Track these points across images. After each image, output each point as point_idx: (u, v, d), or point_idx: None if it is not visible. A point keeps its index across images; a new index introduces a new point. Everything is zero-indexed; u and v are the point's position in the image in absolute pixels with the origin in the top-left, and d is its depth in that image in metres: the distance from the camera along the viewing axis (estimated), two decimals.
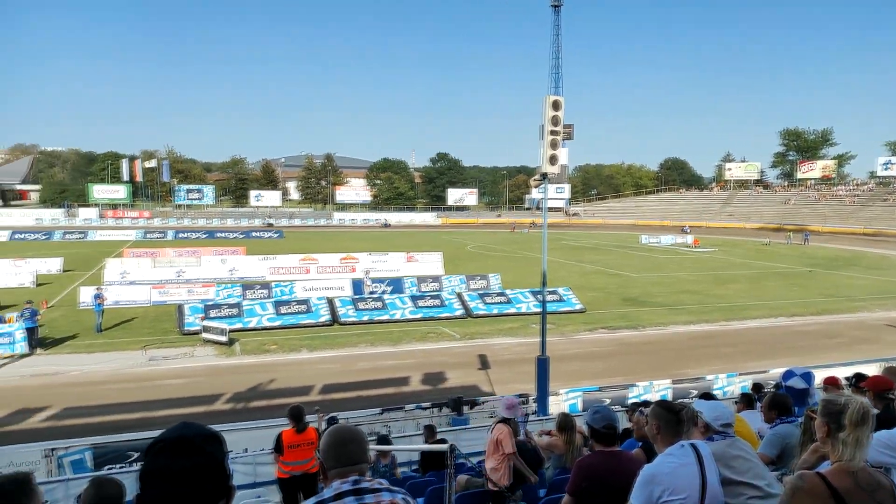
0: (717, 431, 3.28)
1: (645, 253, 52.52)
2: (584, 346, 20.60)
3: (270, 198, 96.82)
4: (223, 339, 19.53)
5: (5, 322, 18.98)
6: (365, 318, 23.25)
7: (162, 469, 1.30)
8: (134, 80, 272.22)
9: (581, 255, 49.04)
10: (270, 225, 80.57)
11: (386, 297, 25.44)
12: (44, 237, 60.65)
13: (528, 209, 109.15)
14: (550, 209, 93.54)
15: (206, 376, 16.66)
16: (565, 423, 6.44)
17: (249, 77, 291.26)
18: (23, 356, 18.10)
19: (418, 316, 23.85)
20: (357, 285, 28.64)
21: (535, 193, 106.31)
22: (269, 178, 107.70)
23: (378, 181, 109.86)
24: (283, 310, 22.96)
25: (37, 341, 18.79)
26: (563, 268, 39.12)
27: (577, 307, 25.75)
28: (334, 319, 23.03)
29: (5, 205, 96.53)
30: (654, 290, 31.76)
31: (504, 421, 6.07)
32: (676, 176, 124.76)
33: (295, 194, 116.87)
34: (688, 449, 2.86)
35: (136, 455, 9.88)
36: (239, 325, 21.43)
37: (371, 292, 27.33)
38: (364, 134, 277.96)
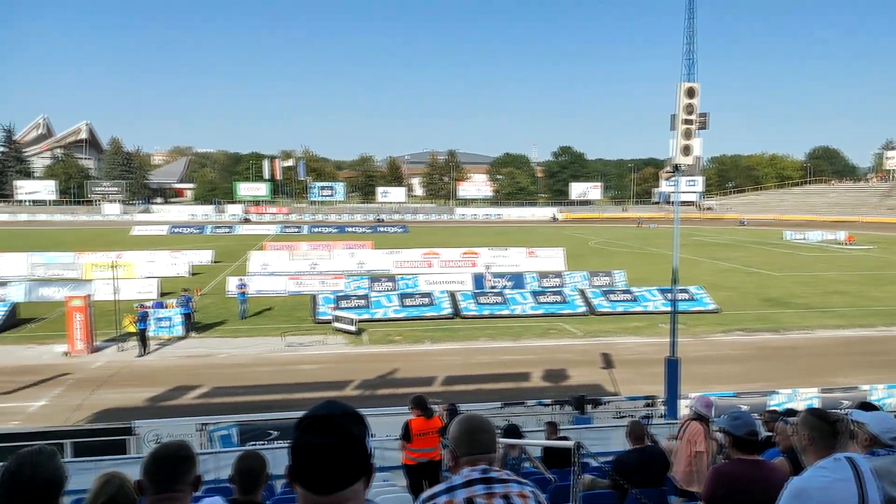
0: (885, 445, 2.93)
1: (788, 250, 48.37)
2: (717, 348, 19.37)
3: (396, 194, 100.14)
4: (352, 328, 20.51)
5: (165, 308, 21.18)
6: (486, 313, 23.41)
7: (309, 444, 1.37)
8: (274, 85, 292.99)
9: (715, 251, 46.12)
10: (381, 220, 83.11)
11: (507, 291, 25.44)
12: (197, 231, 66.83)
13: (655, 203, 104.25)
14: (682, 203, 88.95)
15: (336, 363, 17.59)
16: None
17: (378, 79, 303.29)
18: (179, 338, 20.11)
19: (539, 312, 23.62)
20: (478, 279, 28.89)
21: (665, 187, 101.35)
22: (394, 175, 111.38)
23: (499, 176, 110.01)
24: (408, 302, 23.68)
25: (191, 325, 20.79)
26: (695, 265, 37.01)
27: (711, 307, 24.26)
28: (456, 313, 23.39)
29: (165, 202, 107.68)
30: (798, 290, 29.18)
31: (699, 419, 5.83)
32: (827, 166, 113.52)
33: (419, 190, 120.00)
34: (844, 463, 2.58)
35: (275, 434, 10.65)
36: (366, 316, 22.39)
37: (492, 287, 27.46)
38: (486, 130, 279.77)
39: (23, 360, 17.73)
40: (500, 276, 29.43)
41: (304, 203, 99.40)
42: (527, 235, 59.24)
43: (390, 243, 46.89)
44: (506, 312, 23.56)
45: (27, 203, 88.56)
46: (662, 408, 12.61)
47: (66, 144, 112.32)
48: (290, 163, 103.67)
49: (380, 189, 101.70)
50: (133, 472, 2.34)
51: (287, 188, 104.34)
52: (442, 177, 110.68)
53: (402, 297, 24.16)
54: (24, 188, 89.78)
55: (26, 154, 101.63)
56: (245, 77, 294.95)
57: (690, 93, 11.55)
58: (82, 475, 4.68)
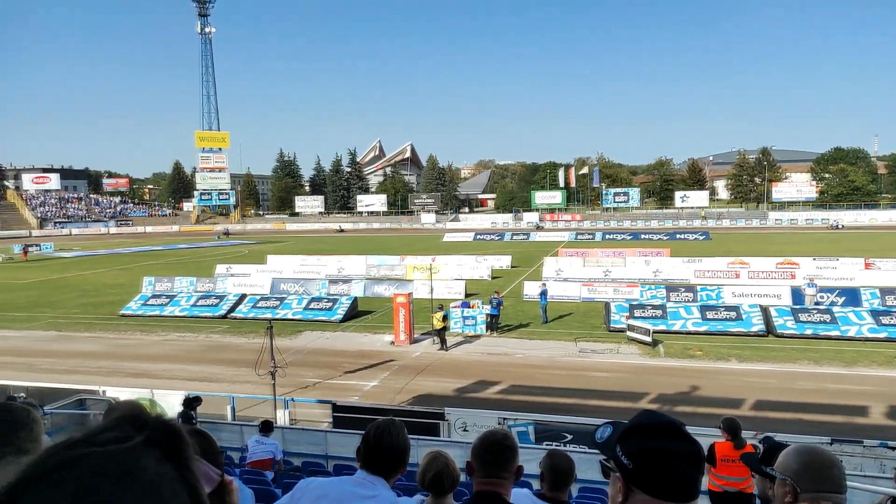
0: None
1: None
2: None
3: (696, 198, 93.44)
4: (647, 339, 19.71)
5: (471, 307, 23.13)
6: (807, 332, 20.30)
7: (671, 451, 1.36)
8: (567, 93, 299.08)
9: None
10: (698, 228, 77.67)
11: (836, 309, 21.69)
12: (497, 238, 71.76)
13: None
14: None
15: (630, 373, 17.08)
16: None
17: (675, 80, 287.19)
18: (481, 336, 21.76)
19: (881, 335, 19.60)
20: (797, 294, 25.22)
21: None
22: (695, 178, 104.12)
23: (826, 174, 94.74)
24: (710, 315, 21.83)
25: (494, 325, 22.31)
26: None
27: None
28: (768, 330, 20.78)
29: (470, 211, 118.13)
30: None
31: None
32: None
33: (723, 193, 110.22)
34: None
35: (570, 437, 10.79)
36: (662, 327, 21.29)
37: (816, 303, 23.70)
38: (808, 123, 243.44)
39: (360, 345, 21.14)
40: (828, 290, 25.23)
41: (598, 210, 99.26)
42: (863, 244, 49.81)
43: (689, 251, 43.91)
44: (834, 333, 20.10)
45: (364, 214, 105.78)
46: None
47: (394, 163, 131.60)
48: (584, 170, 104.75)
49: (678, 193, 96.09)
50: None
51: (581, 195, 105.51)
52: (752, 177, 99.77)
53: (704, 309, 22.35)
54: (363, 201, 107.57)
55: (365, 172, 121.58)
56: (541, 88, 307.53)
57: None
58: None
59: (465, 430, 11.39)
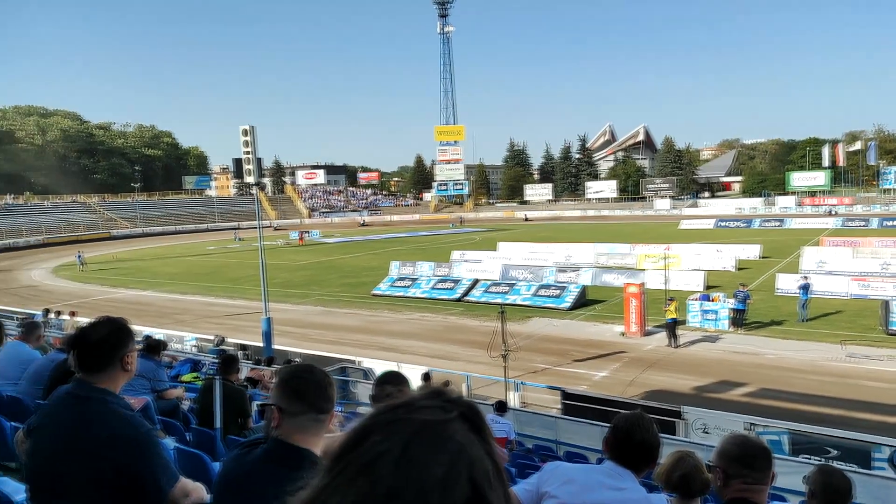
0: None
1: None
2: None
3: None
4: None
5: (711, 301, 21.35)
6: None
7: None
8: (836, 56, 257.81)
9: None
10: None
11: None
12: (744, 225, 65.02)
13: None
14: None
15: None
16: None
17: None
18: (723, 333, 19.97)
19: None
20: None
21: None
22: None
23: None
24: None
25: (739, 321, 20.31)
26: None
27: None
28: None
29: (711, 196, 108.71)
30: None
31: None
32: None
33: None
34: None
35: (835, 452, 9.39)
36: None
37: None
38: None
39: (589, 335, 20.85)
40: None
41: (874, 192, 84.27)
42: None
43: None
44: None
45: (593, 201, 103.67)
46: None
47: (626, 147, 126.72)
48: (856, 146, 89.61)
49: None
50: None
51: (851, 176, 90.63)
52: None
53: None
54: (592, 188, 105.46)
55: (595, 158, 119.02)
56: (799, 51, 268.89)
57: None
58: None
59: (704, 432, 10.58)
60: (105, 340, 2.34)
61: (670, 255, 28.91)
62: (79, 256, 45.55)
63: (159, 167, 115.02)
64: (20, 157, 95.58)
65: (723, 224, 65.24)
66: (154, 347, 7.64)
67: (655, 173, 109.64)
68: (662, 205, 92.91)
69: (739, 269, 32.32)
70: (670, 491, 2.42)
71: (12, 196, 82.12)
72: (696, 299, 21.54)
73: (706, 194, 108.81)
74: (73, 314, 20.80)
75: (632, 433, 2.27)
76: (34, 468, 2.32)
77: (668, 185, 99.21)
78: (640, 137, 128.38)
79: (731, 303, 20.39)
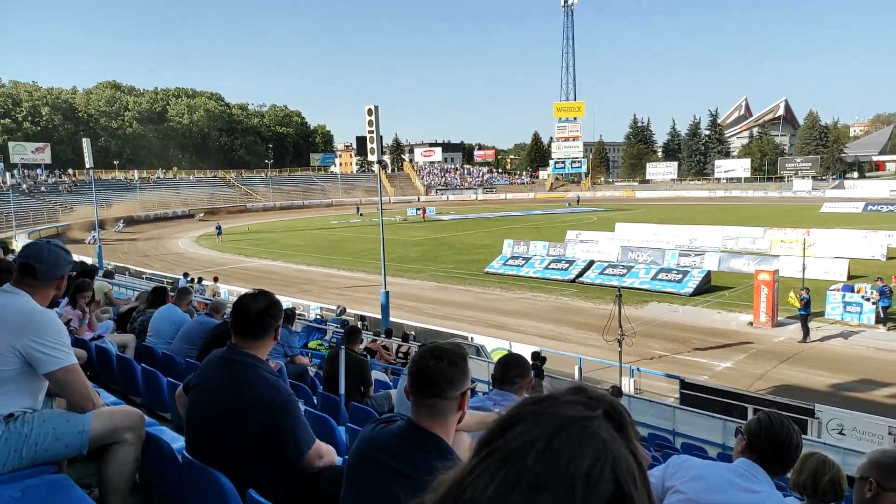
0: None
1: None
2: None
3: None
4: None
5: (855, 292, 19.48)
6: None
7: None
8: None
9: None
10: None
11: None
12: None
13: None
14: None
15: None
16: None
17: None
18: (866, 327, 18.21)
19: None
20: None
21: None
22: None
23: None
24: None
25: (885, 317, 18.44)
26: None
27: None
28: None
29: (860, 176, 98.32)
30: None
31: None
32: None
33: None
34: None
35: None
36: None
37: None
38: None
39: (712, 322, 19.80)
40: None
41: None
42: None
43: None
44: None
45: (723, 181, 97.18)
46: None
47: (762, 123, 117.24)
48: None
49: None
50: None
51: None
52: None
53: None
54: (722, 167, 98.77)
55: (727, 135, 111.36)
56: None
57: None
58: None
59: (840, 434, 9.78)
60: (265, 312, 2.61)
61: (809, 241, 26.62)
62: (217, 228, 49.61)
63: (290, 145, 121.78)
64: (170, 135, 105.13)
65: (873, 208, 58.77)
66: (289, 316, 8.27)
67: (796, 151, 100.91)
68: (802, 186, 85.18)
69: (890, 258, 29.14)
70: (806, 495, 2.31)
71: (163, 171, 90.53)
72: (837, 290, 19.77)
73: (854, 175, 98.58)
74: (215, 279, 22.83)
75: (773, 433, 2.17)
76: (192, 422, 2.64)
77: (809, 164, 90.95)
78: (780, 112, 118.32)
79: (875, 296, 18.50)
